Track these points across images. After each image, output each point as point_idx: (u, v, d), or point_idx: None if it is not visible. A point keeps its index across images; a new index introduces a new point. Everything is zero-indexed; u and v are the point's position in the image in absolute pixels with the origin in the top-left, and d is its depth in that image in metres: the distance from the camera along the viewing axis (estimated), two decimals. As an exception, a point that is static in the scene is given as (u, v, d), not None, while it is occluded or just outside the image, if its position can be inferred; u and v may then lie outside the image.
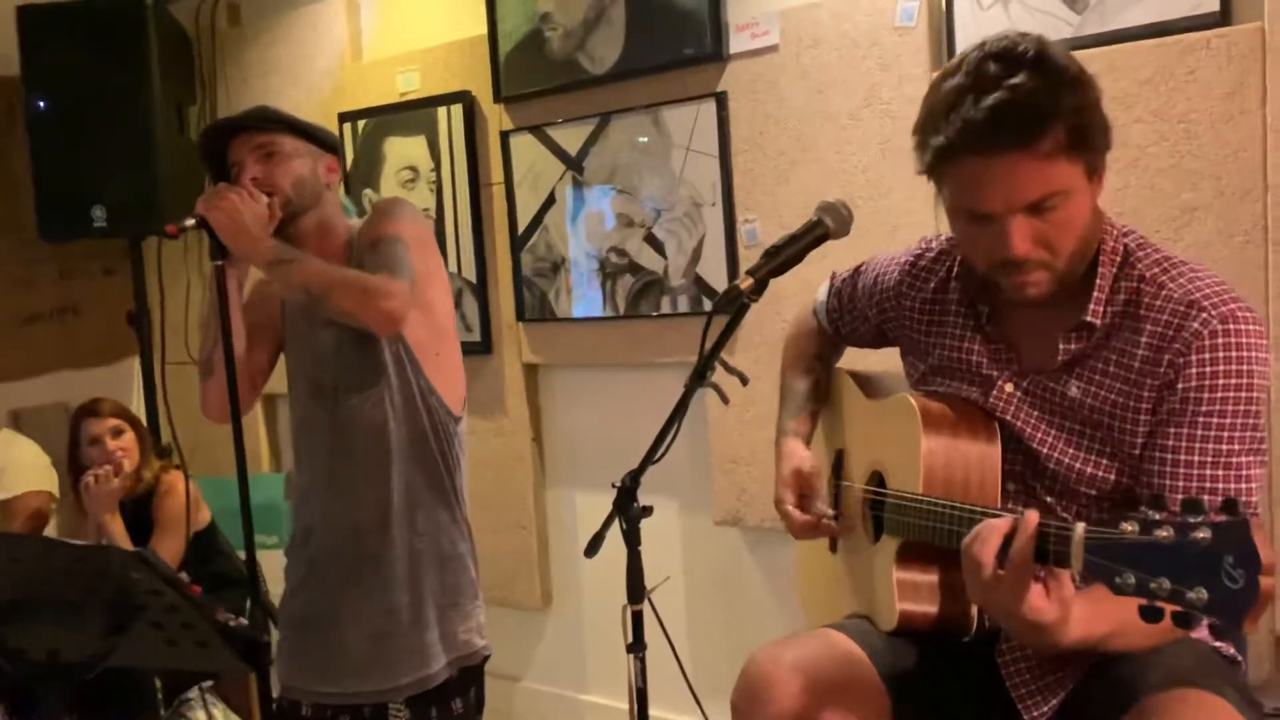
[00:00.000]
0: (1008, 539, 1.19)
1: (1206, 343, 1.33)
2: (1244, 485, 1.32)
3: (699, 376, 1.54)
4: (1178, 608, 1.02)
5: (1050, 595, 1.19)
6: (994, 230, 1.36)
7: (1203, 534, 1.01)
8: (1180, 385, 1.34)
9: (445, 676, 2.07)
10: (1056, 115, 1.29)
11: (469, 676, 2.13)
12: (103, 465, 2.87)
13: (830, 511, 1.64)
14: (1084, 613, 1.24)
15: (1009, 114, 1.28)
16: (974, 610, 1.44)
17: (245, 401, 2.09)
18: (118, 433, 2.98)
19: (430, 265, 2.07)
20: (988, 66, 1.32)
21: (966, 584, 1.23)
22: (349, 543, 2.07)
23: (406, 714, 2.04)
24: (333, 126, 3.43)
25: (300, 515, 2.16)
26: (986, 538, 1.20)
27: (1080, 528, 1.12)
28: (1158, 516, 1.04)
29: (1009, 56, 1.32)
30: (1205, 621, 1.01)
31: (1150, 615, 1.04)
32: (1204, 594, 1.00)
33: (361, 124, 3.40)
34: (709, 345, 1.53)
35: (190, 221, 1.92)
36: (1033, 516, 1.18)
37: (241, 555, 3.16)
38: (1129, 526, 1.06)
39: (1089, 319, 1.40)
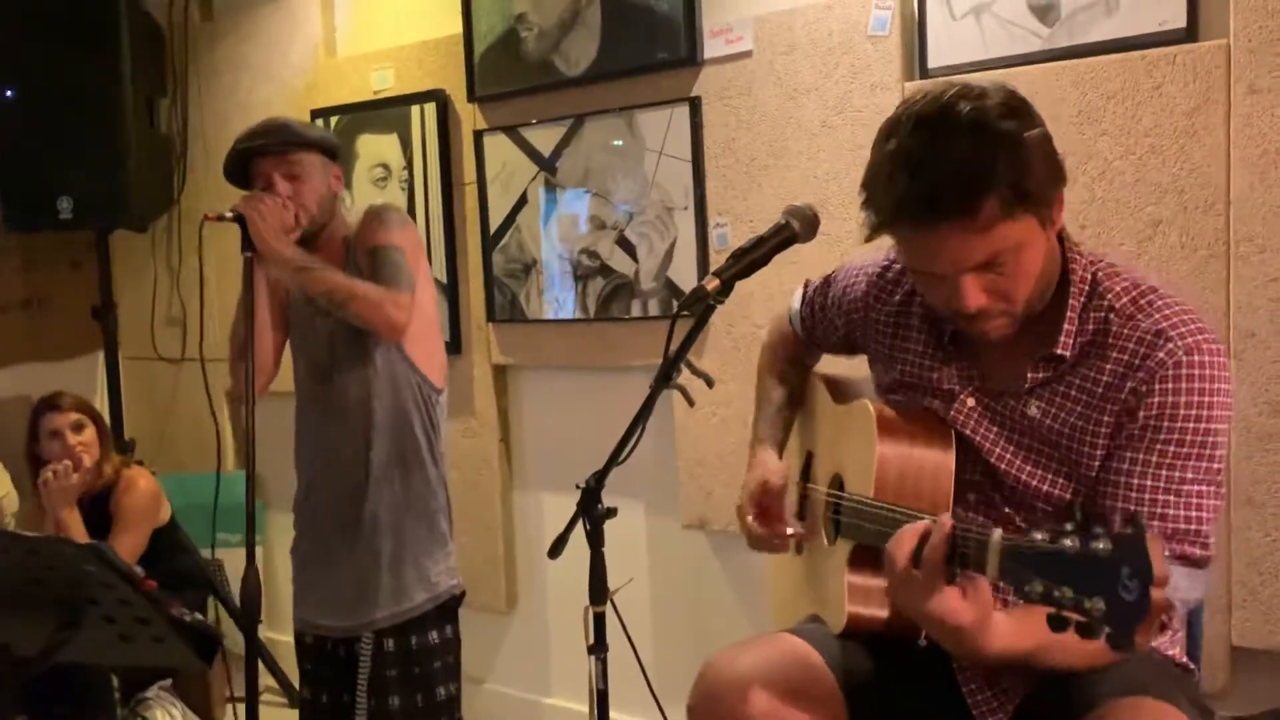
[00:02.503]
0: (925, 540, 1.21)
1: (1170, 373, 1.34)
2: (1194, 514, 1.33)
3: (664, 378, 1.54)
4: (1079, 616, 1.03)
5: (967, 598, 1.21)
6: (947, 286, 1.36)
7: (1103, 544, 1.01)
8: (1141, 413, 1.35)
9: (420, 611, 2.36)
10: (991, 185, 1.27)
11: (444, 614, 2.41)
12: (62, 460, 2.84)
13: (788, 531, 1.65)
14: (1009, 625, 1.25)
15: (943, 190, 1.27)
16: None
17: (265, 380, 2.39)
18: (78, 427, 2.94)
19: (420, 268, 2.35)
20: (924, 134, 1.30)
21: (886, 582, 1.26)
22: (339, 499, 2.36)
23: (378, 640, 2.33)
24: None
25: (301, 475, 2.46)
26: (902, 538, 1.24)
27: (997, 533, 1.14)
28: (1069, 527, 1.05)
29: (946, 121, 1.30)
30: (1105, 632, 1.01)
31: (1056, 624, 1.05)
32: (1100, 604, 1.01)
33: (334, 120, 3.38)
34: (675, 347, 1.53)
35: (229, 214, 2.19)
36: (947, 520, 1.21)
37: (204, 552, 3.16)
38: (1039, 535, 1.07)
39: (1059, 351, 1.40)
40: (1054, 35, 2.23)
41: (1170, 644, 1.48)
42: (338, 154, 2.40)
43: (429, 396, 2.38)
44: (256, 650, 2.08)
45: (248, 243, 2.19)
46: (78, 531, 2.85)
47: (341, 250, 2.35)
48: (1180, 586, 1.29)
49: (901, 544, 1.23)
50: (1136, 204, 2.14)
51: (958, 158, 1.27)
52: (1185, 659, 1.49)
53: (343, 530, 2.35)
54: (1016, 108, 1.32)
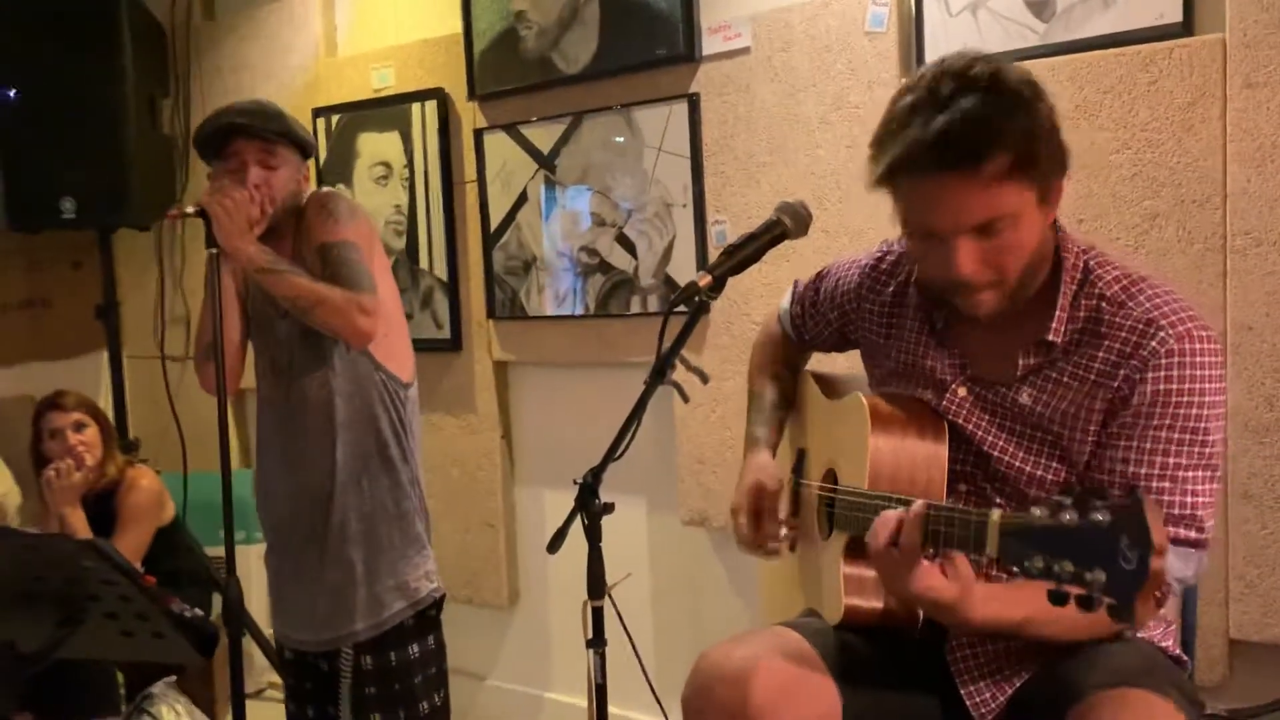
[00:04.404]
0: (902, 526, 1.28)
1: (1163, 361, 1.35)
2: (1188, 499, 1.34)
3: (658, 375, 1.54)
4: (1080, 590, 1.05)
5: (948, 575, 1.27)
6: (942, 250, 1.37)
7: (1102, 516, 1.04)
8: (1134, 400, 1.36)
9: (399, 620, 2.27)
10: (1001, 140, 1.30)
11: (425, 624, 2.32)
12: (64, 459, 2.85)
13: (780, 536, 1.67)
14: (996, 594, 1.30)
15: (953, 137, 1.30)
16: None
17: (237, 376, 2.32)
18: (80, 426, 2.95)
19: (377, 260, 2.24)
20: (942, 87, 1.33)
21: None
22: (304, 508, 2.26)
23: (356, 658, 2.25)
24: (306, 121, 3.42)
25: (261, 480, 2.35)
26: (878, 528, 1.30)
27: (996, 513, 1.16)
28: (1067, 501, 1.06)
29: (963, 77, 1.33)
30: (1104, 603, 1.03)
31: (1057, 599, 1.08)
32: (1101, 575, 1.03)
33: (335, 119, 3.39)
34: (668, 343, 1.54)
35: (191, 209, 2.09)
36: (919, 505, 1.27)
37: (207, 551, 3.17)
38: (1039, 511, 1.09)
39: (1051, 338, 1.41)
40: (1050, 30, 2.23)
41: (1163, 636, 1.49)
42: (311, 156, 2.33)
43: (396, 393, 2.27)
44: (241, 664, 2.05)
45: (212, 239, 2.09)
46: (81, 529, 2.86)
47: (290, 247, 2.23)
48: (1173, 566, 1.31)
49: (877, 534, 1.30)
50: (1133, 198, 2.15)
51: (971, 110, 1.30)
52: (1178, 651, 1.50)
53: (311, 541, 2.25)
54: (1033, 82, 1.37)
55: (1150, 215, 2.13)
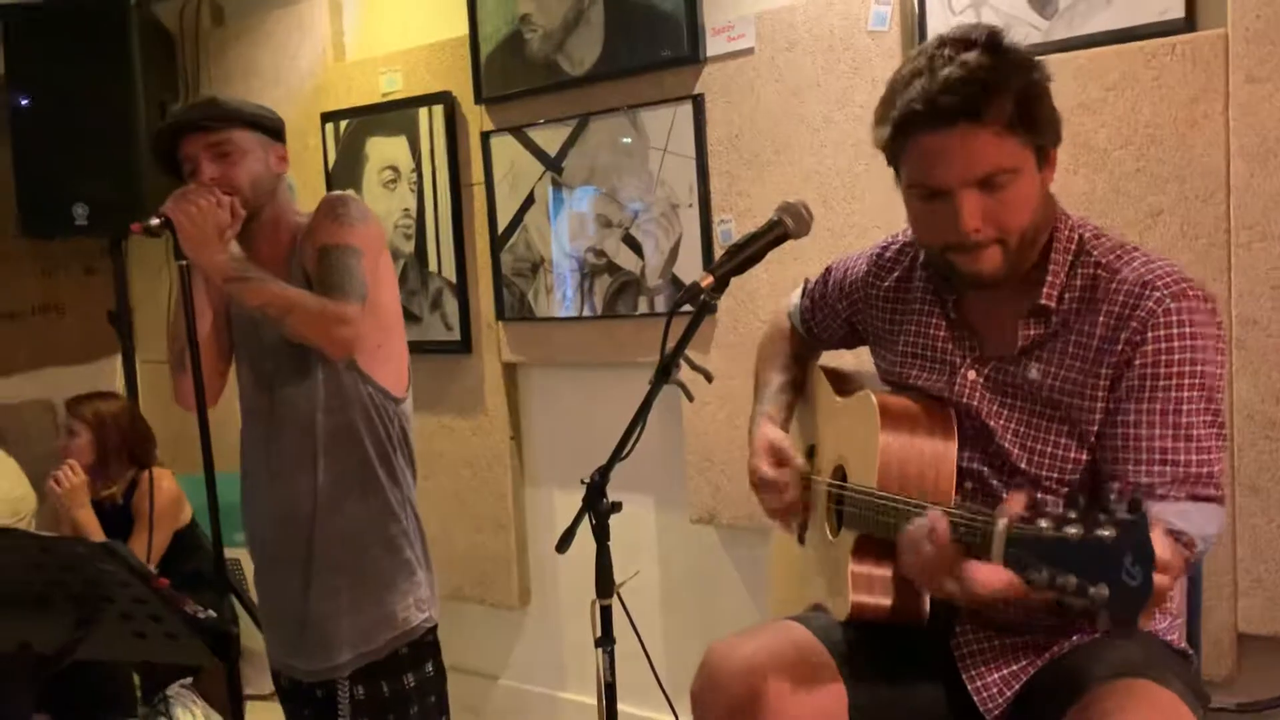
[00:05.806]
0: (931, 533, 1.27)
1: (1160, 320, 1.37)
2: (1204, 457, 1.35)
3: (663, 374, 1.56)
4: (1083, 603, 1.05)
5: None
6: (946, 207, 1.40)
7: (1107, 532, 1.04)
8: (1137, 363, 1.38)
9: (389, 652, 2.13)
10: (1005, 89, 1.34)
11: (420, 652, 2.17)
12: (65, 460, 2.92)
13: (803, 465, 1.66)
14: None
15: (960, 86, 1.34)
16: (926, 603, 1.46)
17: (216, 387, 2.18)
18: (71, 434, 3.00)
19: (380, 268, 2.11)
20: (942, 50, 1.38)
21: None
22: (286, 529, 2.12)
23: (350, 689, 2.10)
24: (315, 126, 3.45)
25: (244, 501, 2.22)
26: (919, 542, 1.28)
27: (1002, 522, 1.16)
28: (1072, 514, 1.07)
29: (963, 40, 1.38)
30: (1107, 617, 1.04)
31: (1060, 611, 1.08)
32: (1105, 591, 1.03)
33: (343, 124, 3.41)
34: (672, 343, 1.55)
35: (155, 221, 1.94)
36: (938, 515, 1.26)
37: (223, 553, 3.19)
38: (1045, 523, 1.10)
39: (1044, 302, 1.44)
40: (1053, 27, 2.23)
41: (1169, 629, 1.50)
42: (280, 132, 2.13)
43: (385, 408, 2.11)
44: (238, 676, 2.00)
45: (180, 250, 1.95)
46: (94, 532, 2.90)
47: (287, 242, 2.10)
48: (1194, 521, 1.30)
49: (920, 547, 1.28)
50: (1137, 194, 2.15)
51: (973, 63, 1.35)
52: (1184, 644, 1.51)
53: (295, 566, 2.12)
54: (1030, 53, 1.43)
55: (1154, 211, 2.14)
